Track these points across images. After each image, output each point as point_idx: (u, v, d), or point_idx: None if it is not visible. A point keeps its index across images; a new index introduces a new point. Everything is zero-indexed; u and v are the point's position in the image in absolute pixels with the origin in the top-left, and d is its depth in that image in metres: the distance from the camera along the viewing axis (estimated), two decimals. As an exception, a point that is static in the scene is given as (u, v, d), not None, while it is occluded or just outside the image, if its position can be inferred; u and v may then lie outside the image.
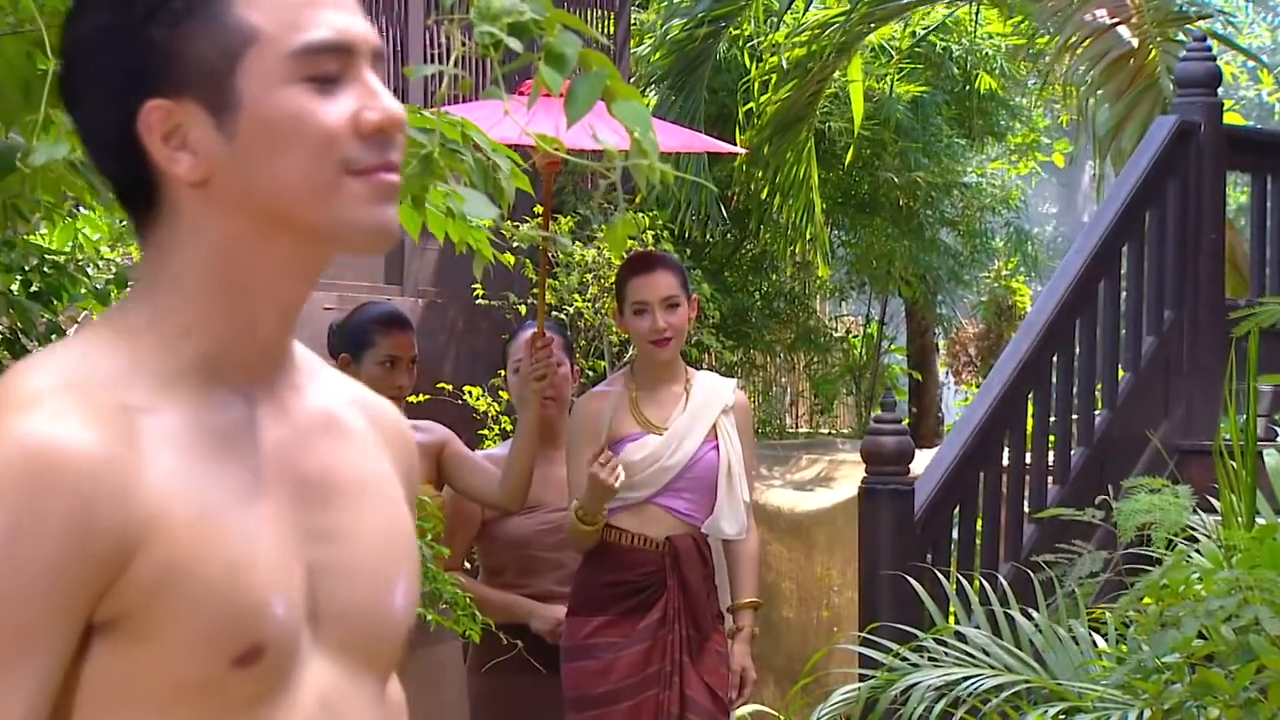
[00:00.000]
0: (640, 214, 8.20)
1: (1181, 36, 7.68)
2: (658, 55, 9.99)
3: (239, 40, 1.35)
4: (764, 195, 9.79)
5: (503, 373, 7.61)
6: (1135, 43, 7.88)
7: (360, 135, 1.37)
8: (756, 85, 9.80)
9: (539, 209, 7.70)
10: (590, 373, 7.94)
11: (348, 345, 4.70)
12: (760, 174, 9.71)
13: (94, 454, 1.29)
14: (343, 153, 1.36)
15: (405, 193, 1.50)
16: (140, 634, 1.31)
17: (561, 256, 8.02)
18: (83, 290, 3.43)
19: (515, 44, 1.55)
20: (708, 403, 4.75)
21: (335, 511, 1.43)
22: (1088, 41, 8.00)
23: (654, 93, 9.80)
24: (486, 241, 2.89)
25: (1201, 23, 8.25)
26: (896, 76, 10.84)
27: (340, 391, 1.50)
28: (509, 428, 7.51)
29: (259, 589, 1.34)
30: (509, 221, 3.18)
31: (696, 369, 4.98)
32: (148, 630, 1.31)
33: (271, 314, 1.40)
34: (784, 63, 9.61)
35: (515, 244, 8.03)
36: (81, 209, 3.68)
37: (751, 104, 9.81)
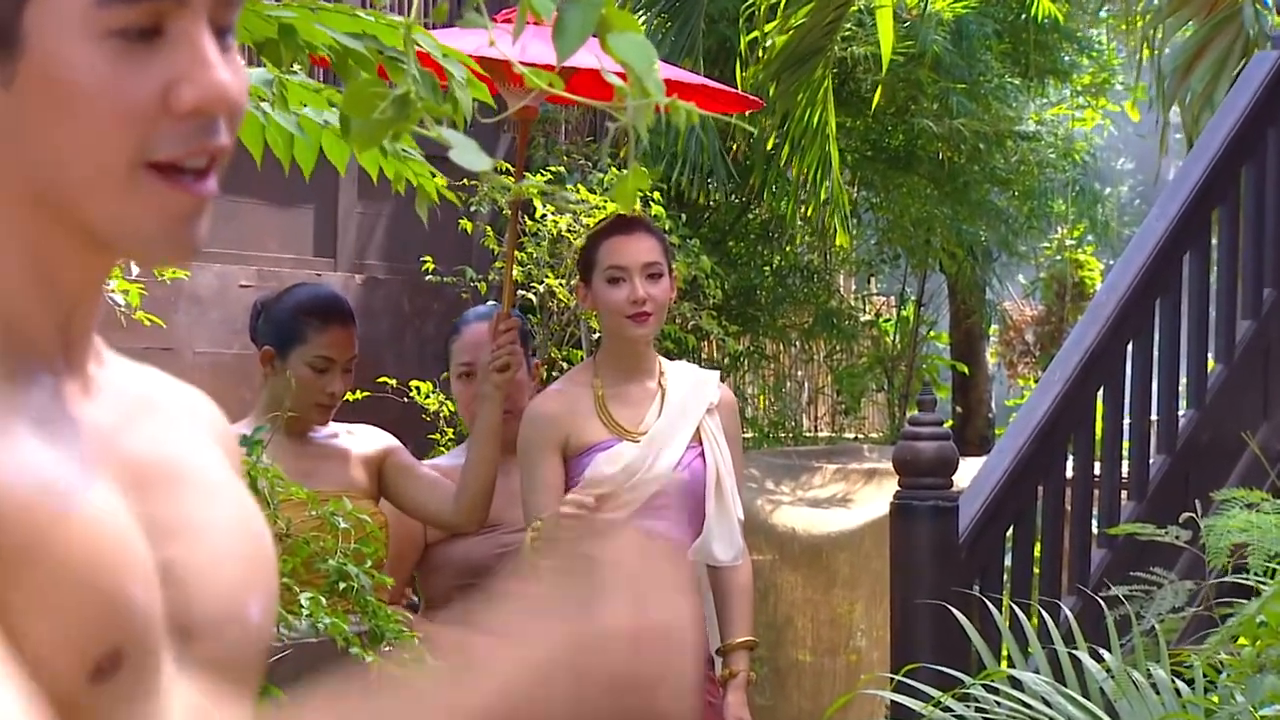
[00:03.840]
0: (624, 171, 8.21)
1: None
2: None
3: None
4: (769, 146, 9.73)
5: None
6: (1224, -44, 7.90)
7: (173, 115, 1.30)
8: (763, 10, 9.76)
9: (502, 165, 7.74)
10: (565, 364, 7.95)
11: (273, 336, 4.66)
12: (766, 120, 9.66)
13: None
14: (143, 136, 1.30)
15: (375, 140, 1.51)
16: None
17: (529, 224, 8.04)
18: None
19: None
20: (689, 401, 4.76)
21: (177, 502, 1.41)
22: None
23: (642, 20, 9.81)
24: (429, 175, 2.86)
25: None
26: None
27: (146, 375, 1.49)
28: (467, 432, 7.53)
29: (113, 579, 1.30)
30: (466, 180, 3.19)
31: (685, 359, 4.99)
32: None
33: (69, 289, 1.37)
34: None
35: (474, 208, 8.04)
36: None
37: (756, 33, 9.76)
